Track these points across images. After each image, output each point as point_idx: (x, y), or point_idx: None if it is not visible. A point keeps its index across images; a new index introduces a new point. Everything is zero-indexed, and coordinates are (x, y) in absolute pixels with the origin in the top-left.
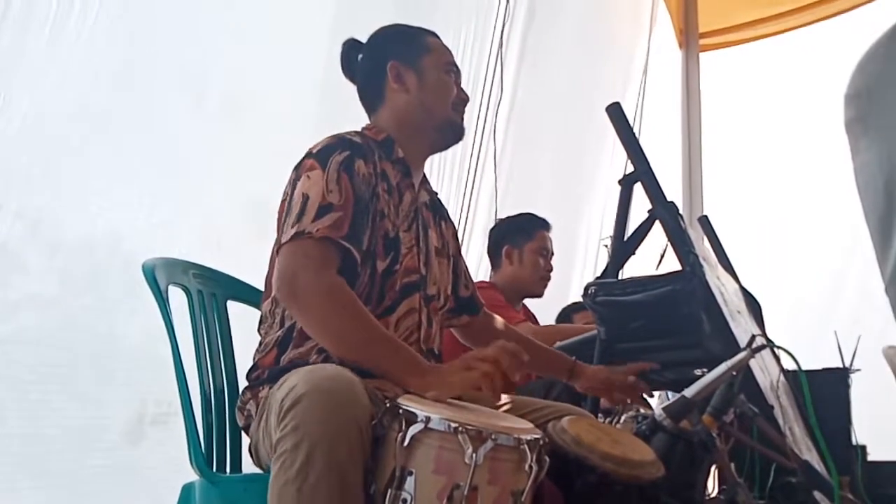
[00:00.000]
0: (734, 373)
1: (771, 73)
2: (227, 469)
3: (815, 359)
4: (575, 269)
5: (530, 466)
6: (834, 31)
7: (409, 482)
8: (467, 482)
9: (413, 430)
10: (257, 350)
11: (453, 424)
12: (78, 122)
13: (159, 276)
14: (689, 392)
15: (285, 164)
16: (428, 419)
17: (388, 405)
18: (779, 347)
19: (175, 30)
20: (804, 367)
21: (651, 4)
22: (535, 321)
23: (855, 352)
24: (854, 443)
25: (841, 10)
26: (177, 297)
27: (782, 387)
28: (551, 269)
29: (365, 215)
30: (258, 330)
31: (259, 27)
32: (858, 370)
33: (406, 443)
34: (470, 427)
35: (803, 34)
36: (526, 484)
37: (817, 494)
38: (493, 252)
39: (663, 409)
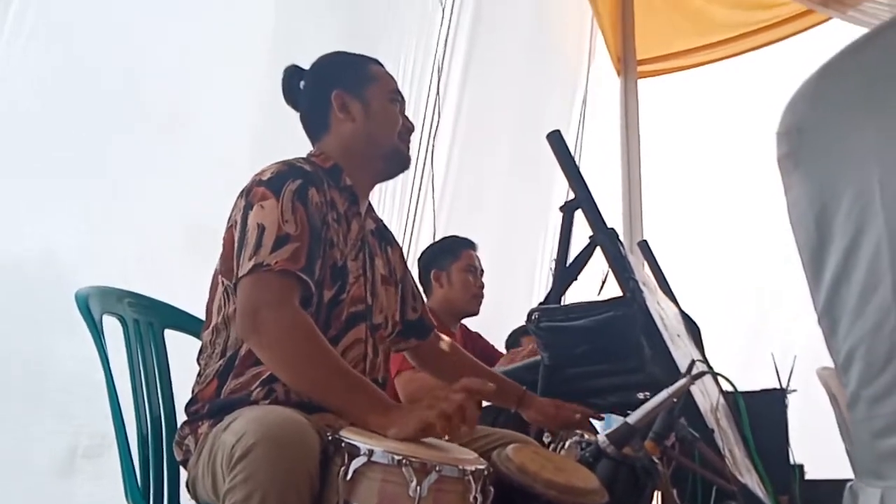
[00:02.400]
0: (675, 399)
1: (708, 100)
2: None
3: (751, 380)
4: (519, 292)
5: (475, 497)
6: (770, 59)
7: None
8: None
9: (356, 463)
10: (197, 381)
11: (396, 457)
12: (5, 136)
13: (93, 305)
14: (631, 419)
15: (223, 186)
16: (371, 452)
17: (330, 438)
18: (716, 374)
19: (112, 44)
20: (741, 389)
21: (590, 33)
22: (482, 339)
23: (791, 372)
24: (792, 462)
25: (776, 39)
26: (112, 324)
27: (722, 409)
28: (482, 286)
29: (318, 246)
30: (197, 360)
31: (199, 45)
32: (795, 390)
33: (349, 476)
34: (413, 459)
35: (740, 62)
36: None
37: None
38: (423, 279)
39: (606, 435)
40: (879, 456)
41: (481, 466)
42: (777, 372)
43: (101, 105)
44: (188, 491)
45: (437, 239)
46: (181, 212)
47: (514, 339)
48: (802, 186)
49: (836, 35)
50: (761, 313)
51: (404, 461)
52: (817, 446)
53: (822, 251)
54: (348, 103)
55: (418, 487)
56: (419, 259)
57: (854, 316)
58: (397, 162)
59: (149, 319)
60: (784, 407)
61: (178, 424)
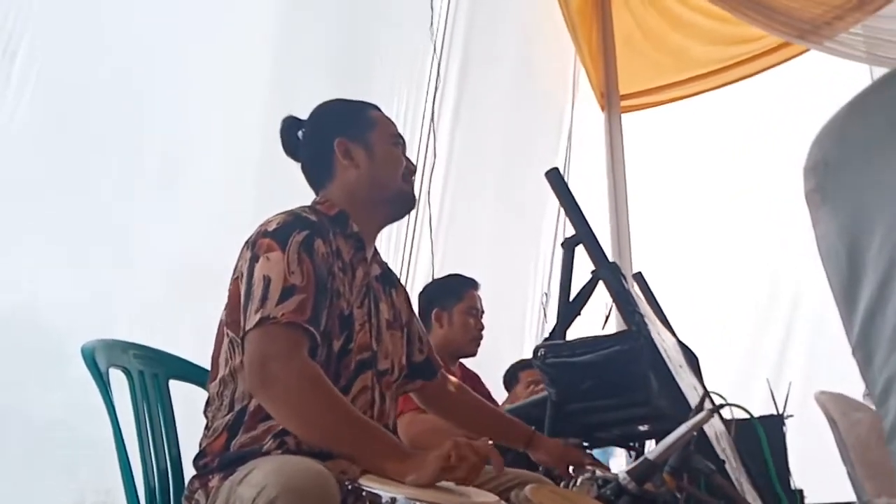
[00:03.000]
0: (695, 433)
1: (693, 133)
2: None
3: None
4: (513, 329)
5: None
6: (753, 91)
7: None
8: None
9: None
10: (205, 435)
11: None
12: None
13: (99, 358)
14: (651, 454)
15: (224, 232)
16: (394, 501)
17: (350, 488)
18: (733, 405)
19: (109, 89)
20: (735, 417)
21: (573, 69)
22: (478, 379)
23: (787, 398)
24: (793, 487)
25: (755, 72)
26: (115, 376)
27: (724, 438)
28: (482, 328)
29: (324, 297)
30: (204, 412)
31: (197, 91)
32: (791, 416)
33: None
34: None
35: (724, 94)
36: None
37: None
38: (423, 316)
39: (627, 472)
40: None
41: None
42: (773, 398)
43: (99, 152)
44: None
45: (435, 276)
46: (183, 259)
47: (511, 375)
48: (831, 221)
49: (813, 67)
50: (753, 341)
51: None
52: (811, 470)
53: (854, 284)
54: (352, 150)
55: None
56: (421, 294)
57: (891, 347)
58: (403, 203)
59: (154, 371)
60: (783, 433)
61: (185, 477)
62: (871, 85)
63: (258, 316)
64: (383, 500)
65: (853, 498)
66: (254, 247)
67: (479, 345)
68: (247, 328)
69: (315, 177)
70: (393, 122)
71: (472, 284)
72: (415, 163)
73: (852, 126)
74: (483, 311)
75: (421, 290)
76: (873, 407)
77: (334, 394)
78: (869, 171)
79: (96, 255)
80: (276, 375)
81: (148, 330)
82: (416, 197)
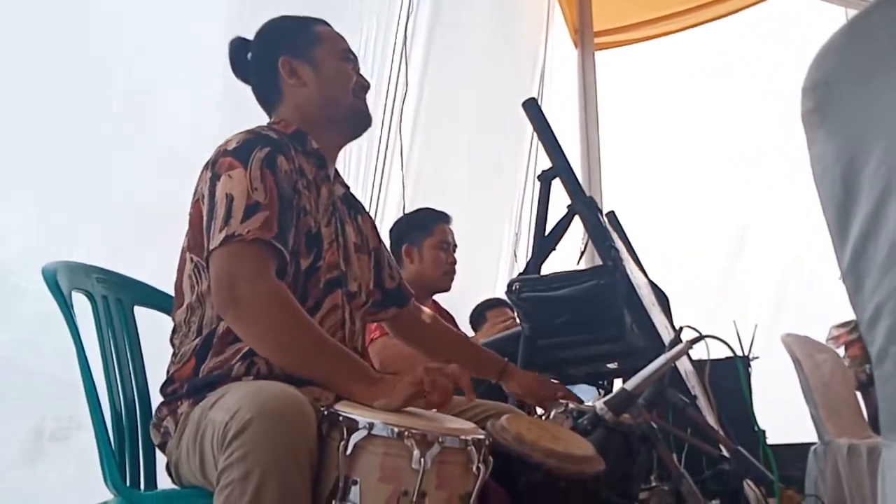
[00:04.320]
0: (673, 364)
1: (666, 72)
2: (142, 487)
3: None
4: (484, 265)
5: (477, 468)
6: (727, 30)
7: (354, 492)
8: (415, 488)
9: (356, 437)
10: (172, 362)
11: (397, 429)
12: None
13: (61, 280)
14: (629, 385)
15: (187, 167)
16: (371, 425)
17: (325, 413)
18: (713, 337)
19: (74, 24)
20: (703, 357)
21: (547, 3)
22: (448, 316)
23: (752, 340)
24: (756, 428)
25: (732, 11)
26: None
27: (693, 376)
28: (455, 262)
29: (290, 214)
30: (171, 340)
31: (158, 26)
32: (757, 357)
33: (349, 451)
34: (415, 431)
35: (697, 33)
36: (473, 486)
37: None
38: (394, 252)
39: (605, 403)
40: None
41: (481, 436)
42: (739, 339)
43: (62, 89)
44: (169, 474)
45: (406, 209)
46: (139, 194)
47: (478, 314)
48: (828, 141)
49: (789, 7)
50: (721, 281)
51: (406, 433)
52: (775, 412)
53: (848, 207)
54: (297, 68)
55: (422, 459)
56: (391, 231)
57: (882, 272)
58: (359, 120)
59: (118, 296)
60: (748, 374)
61: (152, 405)
62: (874, 2)
63: (223, 234)
64: (359, 426)
65: (815, 438)
66: (214, 166)
67: (452, 279)
68: (211, 247)
69: (265, 98)
70: (342, 38)
71: (441, 218)
72: (380, 96)
73: (855, 45)
74: (455, 245)
75: (391, 226)
76: (837, 350)
77: (303, 315)
78: (870, 91)
79: (56, 189)
80: (244, 296)
81: (109, 265)
82: (371, 115)
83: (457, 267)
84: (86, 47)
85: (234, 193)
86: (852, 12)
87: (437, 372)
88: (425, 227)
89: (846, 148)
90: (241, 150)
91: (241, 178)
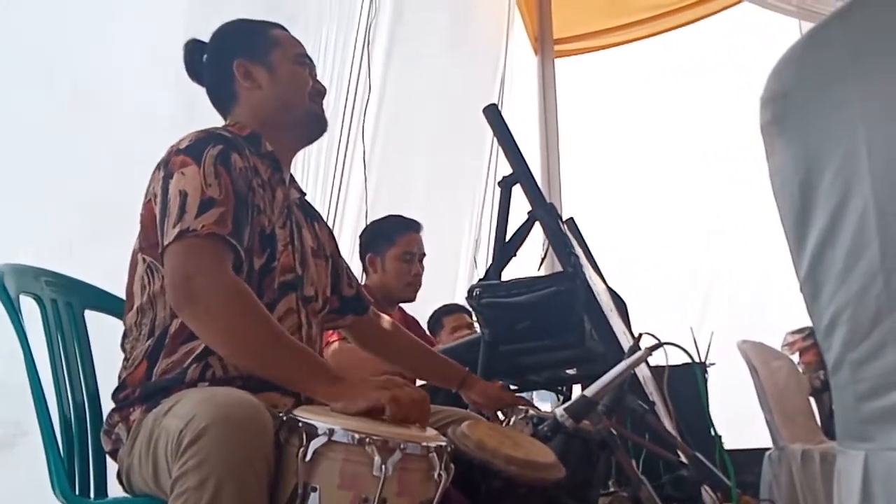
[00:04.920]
0: (633, 371)
1: (626, 80)
2: (91, 495)
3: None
4: (443, 270)
5: (439, 475)
6: (685, 40)
7: (313, 498)
8: (376, 495)
9: (315, 443)
10: (123, 366)
11: (358, 436)
12: None
13: (8, 283)
14: (588, 392)
15: (138, 167)
16: (331, 431)
17: (284, 419)
18: (671, 344)
19: (21, 15)
20: (661, 364)
21: (507, 10)
22: (414, 322)
23: (709, 347)
24: (712, 433)
25: (691, 20)
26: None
27: (650, 383)
28: (419, 273)
29: (245, 211)
30: (122, 346)
31: (111, 19)
32: (714, 364)
33: (308, 457)
34: (376, 437)
35: (656, 42)
36: (435, 493)
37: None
38: (362, 260)
39: (565, 409)
40: (864, 419)
41: (443, 443)
42: (696, 345)
43: (8, 76)
44: (120, 482)
45: (368, 215)
46: (88, 194)
47: (436, 319)
48: (787, 152)
49: (745, 19)
50: (678, 289)
51: (367, 440)
52: (730, 417)
53: (806, 216)
54: (252, 71)
55: (383, 466)
56: (360, 236)
57: (839, 281)
58: (314, 125)
59: (67, 299)
60: (705, 380)
61: (103, 411)
62: (831, 14)
63: (177, 230)
64: (319, 432)
65: (769, 444)
66: (167, 165)
67: (415, 290)
68: (165, 243)
69: (219, 101)
70: (299, 42)
71: (409, 227)
72: (340, 100)
73: (813, 56)
74: (423, 254)
75: (360, 232)
76: (792, 357)
77: (262, 311)
78: (828, 102)
79: (2, 187)
80: (200, 291)
81: (58, 265)
82: (327, 120)
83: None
84: (33, 39)
85: (188, 190)
86: (808, 26)
87: (401, 391)
88: (389, 237)
89: (804, 159)
90: (194, 147)
91: (195, 175)
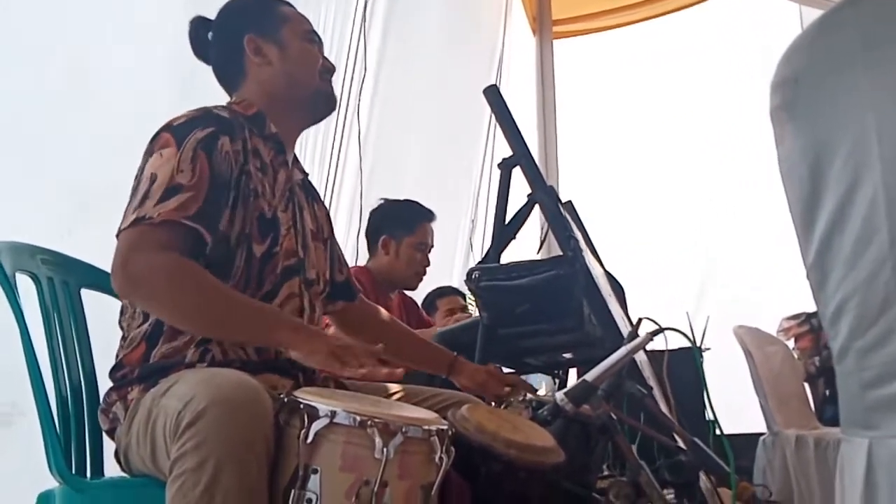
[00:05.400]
0: (634, 356)
1: (624, 62)
2: (88, 475)
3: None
4: (439, 252)
5: (440, 458)
6: (685, 21)
7: (314, 481)
8: (377, 478)
9: (317, 425)
10: (121, 346)
11: (360, 418)
12: None
13: (5, 261)
14: (589, 376)
15: (136, 145)
16: (333, 413)
17: (286, 400)
18: (672, 329)
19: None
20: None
21: None
22: (415, 306)
23: (704, 331)
24: (707, 418)
25: (691, 3)
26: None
27: (647, 367)
28: (428, 264)
29: (223, 195)
30: (119, 322)
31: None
32: (709, 349)
33: (310, 439)
34: (378, 420)
35: (656, 24)
36: (436, 476)
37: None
38: (371, 237)
39: (565, 394)
40: (869, 407)
41: (444, 426)
42: (692, 330)
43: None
44: (118, 461)
45: (363, 194)
46: (87, 172)
47: (429, 302)
48: (796, 138)
49: (745, 2)
50: (675, 273)
51: (369, 422)
52: (724, 402)
53: (814, 203)
54: (262, 46)
55: (385, 449)
56: (372, 212)
57: (847, 267)
58: (323, 103)
59: (64, 278)
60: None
61: (100, 390)
62: (843, 1)
63: (134, 216)
64: (321, 414)
65: (762, 428)
66: (154, 140)
67: (420, 280)
68: (121, 227)
69: (227, 77)
70: (306, 19)
71: (426, 216)
72: (337, 80)
73: (823, 41)
74: (432, 247)
75: (374, 207)
76: (787, 343)
77: (208, 277)
78: (838, 88)
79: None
80: (137, 269)
81: (54, 246)
82: (337, 98)
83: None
84: (25, 20)
85: (159, 174)
86: (807, 10)
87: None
88: (409, 225)
89: (813, 145)
90: (183, 127)
91: (171, 158)
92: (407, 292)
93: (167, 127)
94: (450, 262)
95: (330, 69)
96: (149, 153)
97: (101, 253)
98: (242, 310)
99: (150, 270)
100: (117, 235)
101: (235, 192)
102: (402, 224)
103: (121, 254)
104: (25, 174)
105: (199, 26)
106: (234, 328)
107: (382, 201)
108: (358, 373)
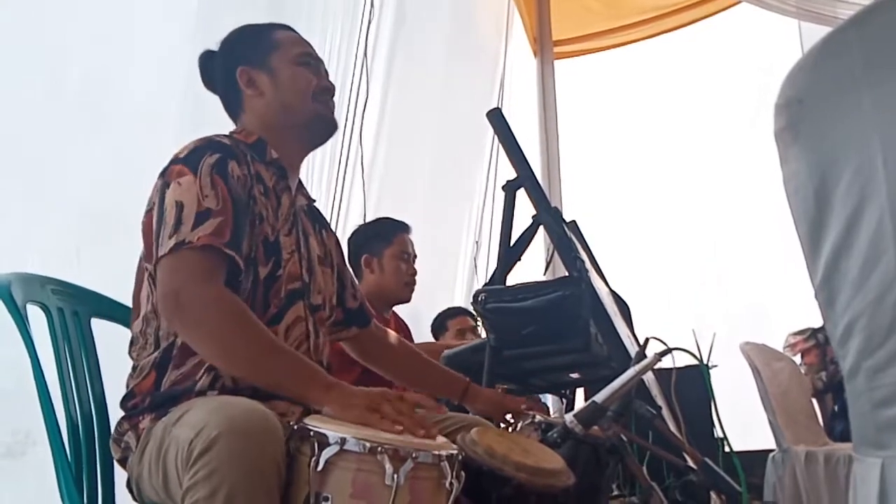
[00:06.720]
0: (642, 377)
1: (625, 81)
2: None
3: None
4: (443, 274)
5: (450, 483)
6: (685, 40)
7: None
8: None
9: (327, 452)
10: (131, 375)
11: (369, 444)
12: None
13: (15, 292)
14: (598, 398)
15: (148, 169)
16: (343, 440)
17: (295, 428)
18: (680, 349)
19: (29, 14)
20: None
21: (507, 12)
22: (406, 328)
23: (711, 349)
24: (715, 435)
25: (690, 21)
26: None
27: (654, 386)
28: (414, 273)
29: (244, 219)
30: (129, 353)
31: (120, 20)
32: (716, 366)
33: (320, 467)
34: (388, 446)
35: (656, 43)
36: (446, 502)
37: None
38: (354, 262)
39: (574, 416)
40: (880, 426)
41: (454, 451)
42: (699, 348)
43: (15, 82)
44: (130, 490)
45: (367, 220)
46: (106, 197)
47: (440, 322)
48: (802, 159)
49: (745, 19)
50: (679, 290)
51: (379, 448)
52: (732, 419)
53: (821, 224)
54: (254, 77)
55: (395, 475)
56: (349, 239)
57: (855, 288)
58: (322, 126)
59: (74, 308)
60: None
61: (111, 419)
62: (847, 21)
63: (172, 241)
64: (331, 441)
65: (771, 445)
66: (164, 174)
67: (412, 290)
68: (160, 255)
69: (229, 109)
70: (303, 41)
71: (401, 227)
72: (341, 104)
73: (828, 62)
74: (415, 255)
75: (350, 235)
76: (794, 358)
77: (252, 319)
78: (842, 109)
79: (5, 192)
80: (189, 302)
81: (63, 271)
82: (336, 120)
83: (416, 278)
84: (40, 40)
85: (185, 200)
86: (807, 26)
87: (396, 399)
88: (385, 237)
89: (819, 165)
90: (191, 156)
91: (191, 185)
92: (406, 311)
93: (175, 160)
94: (452, 283)
95: (328, 89)
96: (165, 186)
97: (111, 277)
98: (278, 358)
99: (200, 303)
100: (155, 264)
101: (250, 215)
102: (378, 239)
103: (171, 281)
104: (35, 199)
105: (207, 59)
106: (268, 374)
107: (355, 227)
108: (396, 429)
